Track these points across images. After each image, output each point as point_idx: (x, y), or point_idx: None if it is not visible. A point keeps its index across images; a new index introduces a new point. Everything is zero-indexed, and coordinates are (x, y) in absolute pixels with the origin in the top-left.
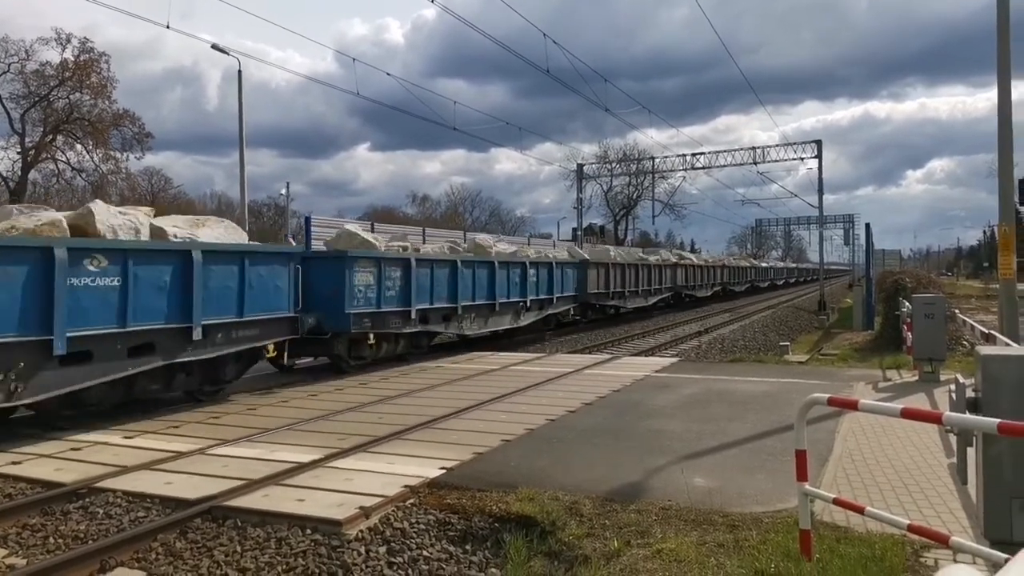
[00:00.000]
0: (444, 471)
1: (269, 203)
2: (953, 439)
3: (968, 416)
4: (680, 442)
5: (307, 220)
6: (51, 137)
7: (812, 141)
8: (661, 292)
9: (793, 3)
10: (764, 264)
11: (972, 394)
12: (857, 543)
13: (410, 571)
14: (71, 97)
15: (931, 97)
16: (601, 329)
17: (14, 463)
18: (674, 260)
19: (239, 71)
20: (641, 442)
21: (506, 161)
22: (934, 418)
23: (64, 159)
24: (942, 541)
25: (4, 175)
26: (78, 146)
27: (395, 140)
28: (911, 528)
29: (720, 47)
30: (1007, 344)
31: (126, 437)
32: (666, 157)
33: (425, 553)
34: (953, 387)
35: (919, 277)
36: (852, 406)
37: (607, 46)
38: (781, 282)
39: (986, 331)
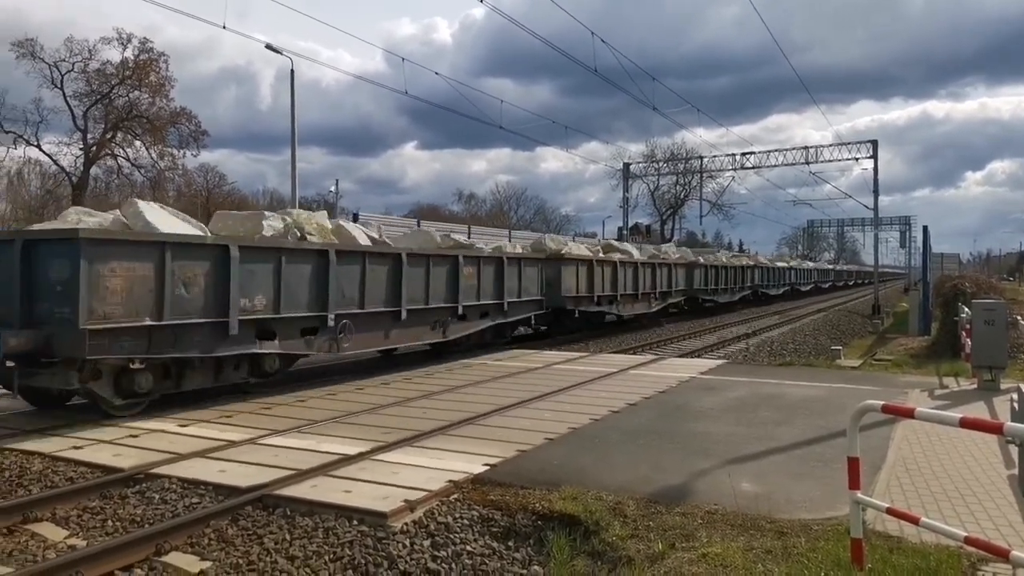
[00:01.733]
0: (488, 467)
1: (319, 199)
2: (1014, 450)
3: None
4: (726, 445)
5: (355, 216)
6: (111, 134)
7: (867, 141)
8: (744, 289)
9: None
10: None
11: None
12: (911, 554)
13: (453, 565)
14: (131, 95)
15: (992, 97)
16: (645, 330)
17: (75, 447)
18: (751, 262)
19: (291, 70)
20: (686, 444)
21: (552, 160)
22: (994, 428)
23: (124, 155)
24: (1002, 555)
25: (68, 170)
26: (137, 143)
27: (442, 139)
28: (968, 540)
29: (770, 45)
30: None
31: (181, 425)
32: (715, 156)
33: (468, 548)
34: (1015, 396)
35: (979, 281)
36: (908, 414)
37: (655, 44)
38: (840, 284)
39: None
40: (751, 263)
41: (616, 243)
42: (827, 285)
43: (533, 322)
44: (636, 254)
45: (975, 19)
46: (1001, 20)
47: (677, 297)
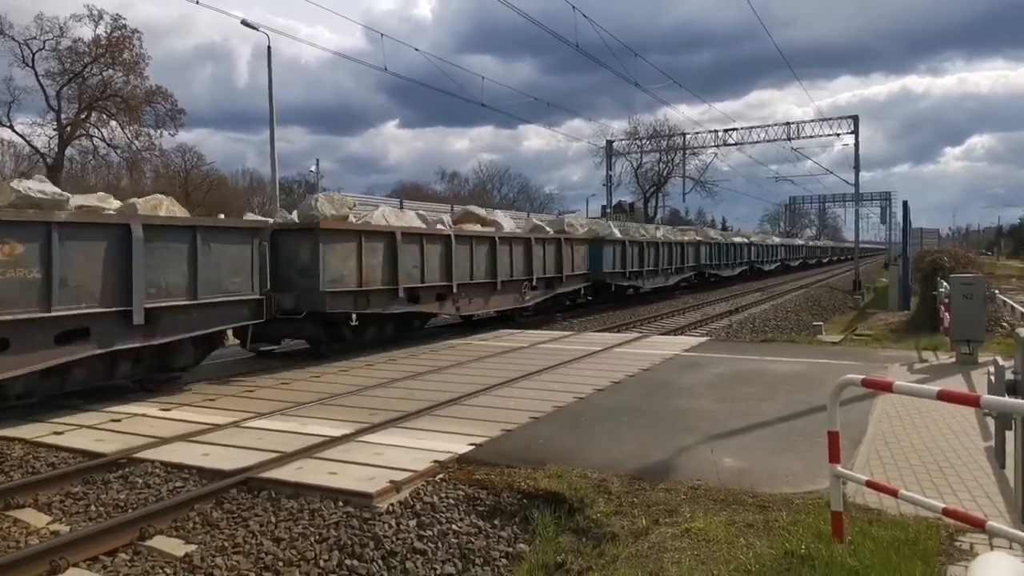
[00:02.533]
0: (473, 447)
1: (300, 179)
2: (991, 422)
3: (1007, 399)
4: (709, 422)
5: None
6: (86, 114)
7: (848, 116)
8: (742, 265)
9: None
10: (799, 242)
11: (1011, 376)
12: (890, 526)
13: (440, 544)
14: (104, 74)
15: (971, 71)
16: (628, 309)
17: (56, 433)
18: (748, 240)
19: (268, 47)
20: (670, 421)
21: (535, 137)
22: (971, 401)
23: (99, 136)
24: (978, 525)
25: (42, 151)
26: (112, 123)
27: (424, 117)
28: (946, 512)
29: (752, 20)
30: None
31: (163, 409)
32: (697, 133)
33: (454, 527)
34: (992, 369)
35: (957, 256)
36: (887, 388)
37: (637, 20)
38: (813, 261)
39: None
40: (747, 241)
41: (635, 224)
42: (813, 261)
43: (583, 293)
44: (659, 234)
45: None
46: None
47: (688, 272)
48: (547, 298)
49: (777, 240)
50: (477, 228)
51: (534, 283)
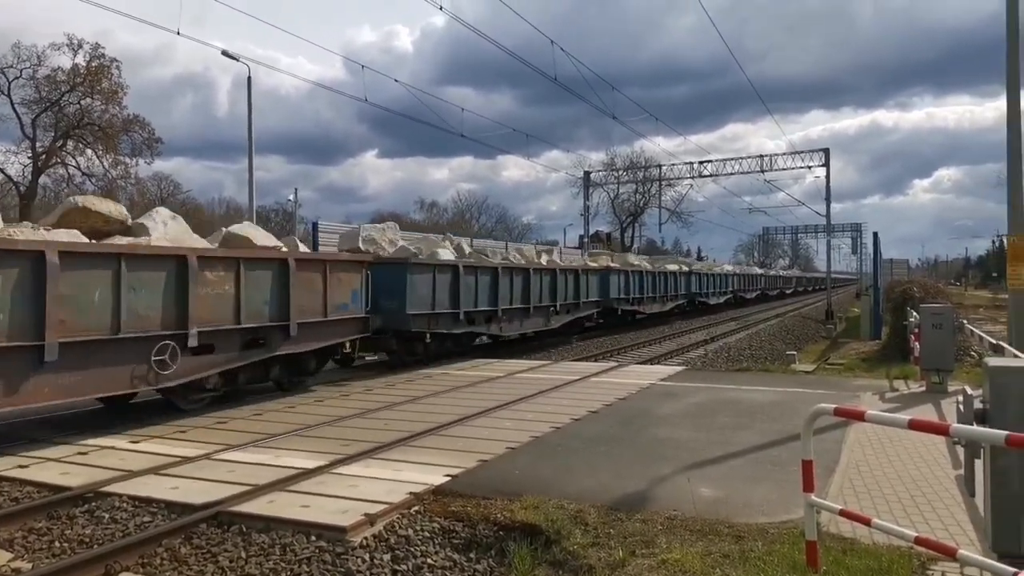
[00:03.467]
0: (449, 478)
1: (277, 208)
2: (961, 451)
3: (976, 428)
4: (686, 451)
5: (314, 225)
6: (62, 142)
7: (820, 149)
8: (727, 293)
9: (799, 11)
10: (772, 272)
11: (980, 405)
12: (863, 555)
13: None
14: (82, 103)
15: (939, 106)
16: (607, 336)
17: (20, 467)
18: (732, 270)
19: (248, 77)
20: (647, 451)
21: (513, 168)
22: (941, 430)
23: (74, 164)
24: (949, 554)
25: (15, 180)
26: (88, 151)
27: (403, 147)
28: (918, 540)
29: (726, 55)
30: (1016, 355)
31: (132, 441)
32: (673, 165)
33: (429, 561)
34: (961, 398)
35: (927, 287)
36: (859, 417)
37: (614, 54)
38: (789, 291)
39: (994, 342)
40: (733, 272)
41: (631, 255)
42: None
43: (595, 317)
44: (648, 266)
45: (923, 30)
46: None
47: (681, 299)
48: (569, 321)
49: (758, 271)
50: (494, 260)
51: (558, 308)
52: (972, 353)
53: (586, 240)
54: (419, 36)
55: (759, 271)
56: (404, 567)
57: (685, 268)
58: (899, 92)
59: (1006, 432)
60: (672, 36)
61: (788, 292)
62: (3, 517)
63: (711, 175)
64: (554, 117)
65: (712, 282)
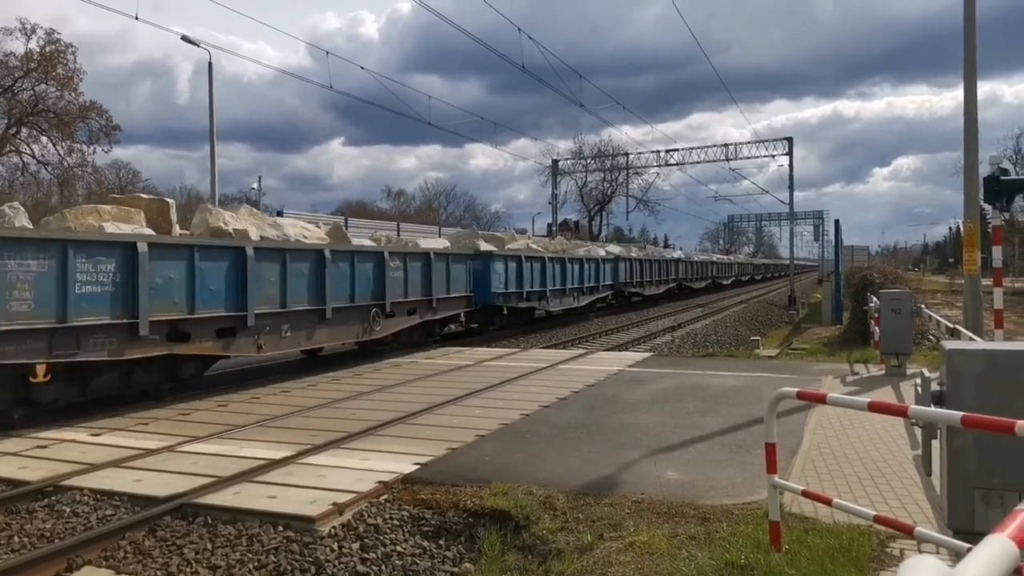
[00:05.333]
0: (418, 466)
1: (240, 196)
2: (918, 432)
3: (933, 409)
4: (653, 436)
5: (279, 213)
6: (15, 129)
7: (783, 138)
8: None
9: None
10: (740, 259)
11: (937, 388)
12: (825, 534)
13: (383, 567)
14: (36, 89)
15: (898, 96)
16: (574, 325)
17: None
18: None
19: (209, 63)
20: (614, 436)
21: (481, 156)
22: (900, 411)
23: (29, 152)
24: (907, 532)
25: None
26: (43, 139)
27: (370, 135)
28: (877, 519)
29: (692, 45)
30: (971, 339)
31: (93, 434)
32: (640, 153)
33: (399, 548)
34: (919, 381)
35: (886, 272)
36: (820, 400)
37: (582, 43)
38: (746, 278)
39: (951, 326)
40: (713, 259)
41: (624, 246)
42: (746, 278)
43: (609, 298)
44: (638, 253)
45: (882, 21)
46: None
47: (672, 283)
48: (591, 300)
49: (714, 257)
50: (537, 249)
51: (584, 290)
52: (930, 337)
53: (555, 228)
54: (385, 23)
55: (715, 257)
56: (373, 555)
57: (677, 256)
58: (860, 82)
59: (962, 413)
60: (638, 26)
61: (744, 280)
62: None
63: (677, 164)
64: (522, 105)
65: (695, 269)
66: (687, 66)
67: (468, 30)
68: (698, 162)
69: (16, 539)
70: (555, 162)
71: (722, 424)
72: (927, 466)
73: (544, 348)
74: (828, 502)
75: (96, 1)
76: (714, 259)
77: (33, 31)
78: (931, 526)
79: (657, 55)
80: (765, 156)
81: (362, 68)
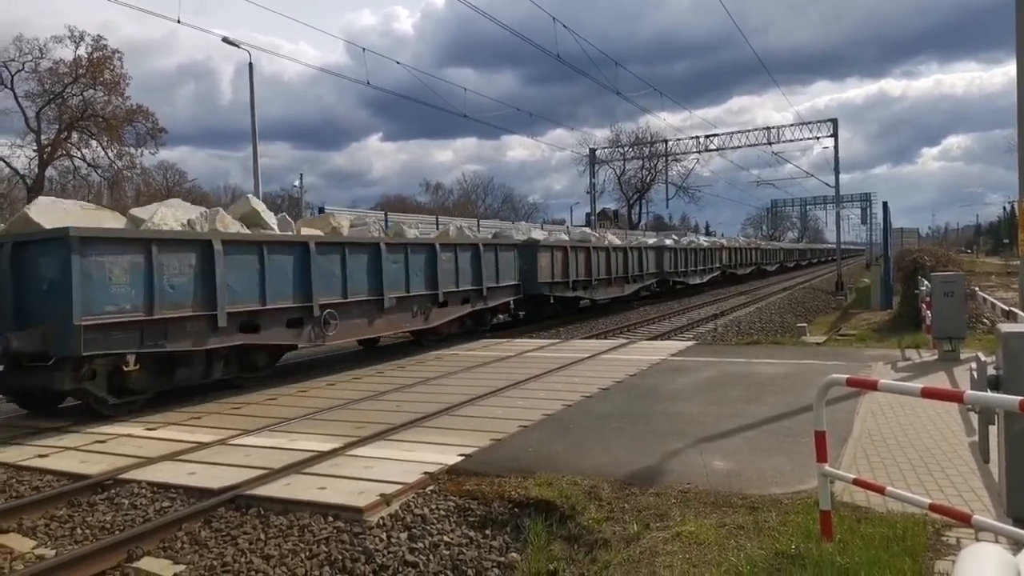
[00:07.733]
0: (463, 457)
1: (283, 194)
2: (974, 418)
3: (990, 394)
4: (698, 425)
5: (320, 211)
6: (66, 134)
7: (827, 120)
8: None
9: None
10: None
11: (993, 372)
12: (878, 523)
13: (431, 556)
14: (85, 94)
15: (946, 74)
16: (617, 314)
17: (40, 456)
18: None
19: (250, 64)
20: (659, 426)
21: (518, 148)
22: (955, 397)
23: (79, 155)
24: (964, 520)
25: (22, 172)
26: (93, 143)
27: (407, 130)
28: (932, 507)
29: (727, 28)
30: None
31: (148, 429)
32: (679, 140)
33: (446, 539)
34: (974, 365)
35: (938, 255)
36: (871, 386)
37: (616, 30)
38: (792, 264)
39: (1007, 308)
40: (756, 246)
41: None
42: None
43: (654, 287)
44: (701, 241)
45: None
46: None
47: (716, 271)
48: (636, 288)
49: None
50: (566, 239)
51: (630, 279)
52: (984, 320)
53: (593, 218)
54: (419, 18)
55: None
56: (421, 545)
57: (720, 243)
58: (905, 60)
59: (1020, 398)
60: (671, 12)
61: (790, 266)
62: (25, 506)
63: (717, 149)
64: (557, 95)
65: (741, 256)
66: (723, 50)
67: (502, 21)
68: (739, 147)
69: (79, 531)
70: (592, 151)
71: (768, 412)
72: (984, 453)
73: (585, 338)
74: (881, 491)
75: (140, 6)
76: (760, 245)
77: (81, 38)
78: (989, 514)
79: (693, 40)
80: (809, 139)
81: (398, 63)
